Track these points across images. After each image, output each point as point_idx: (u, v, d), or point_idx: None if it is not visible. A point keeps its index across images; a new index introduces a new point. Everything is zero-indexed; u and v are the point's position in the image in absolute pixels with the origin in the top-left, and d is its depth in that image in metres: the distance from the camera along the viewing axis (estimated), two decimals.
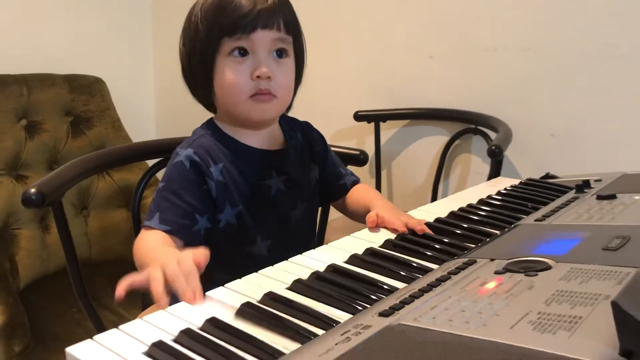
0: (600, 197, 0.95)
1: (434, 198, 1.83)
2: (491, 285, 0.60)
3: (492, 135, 1.69)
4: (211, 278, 0.88)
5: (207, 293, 0.66)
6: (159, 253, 0.76)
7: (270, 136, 0.99)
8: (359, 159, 1.23)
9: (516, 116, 1.64)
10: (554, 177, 1.24)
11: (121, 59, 2.54)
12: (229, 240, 0.94)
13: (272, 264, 0.90)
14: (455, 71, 1.77)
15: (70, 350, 0.54)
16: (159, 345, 0.54)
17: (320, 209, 1.27)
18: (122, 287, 0.67)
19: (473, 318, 0.52)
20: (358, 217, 1.04)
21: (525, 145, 1.64)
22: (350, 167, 1.16)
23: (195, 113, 2.68)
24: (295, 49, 0.94)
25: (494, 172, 1.46)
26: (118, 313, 1.74)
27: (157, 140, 1.25)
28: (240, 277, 0.83)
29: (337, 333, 0.53)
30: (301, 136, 1.04)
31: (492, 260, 0.69)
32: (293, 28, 0.93)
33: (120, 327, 0.58)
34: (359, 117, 1.91)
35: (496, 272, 0.64)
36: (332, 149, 1.11)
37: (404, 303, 0.58)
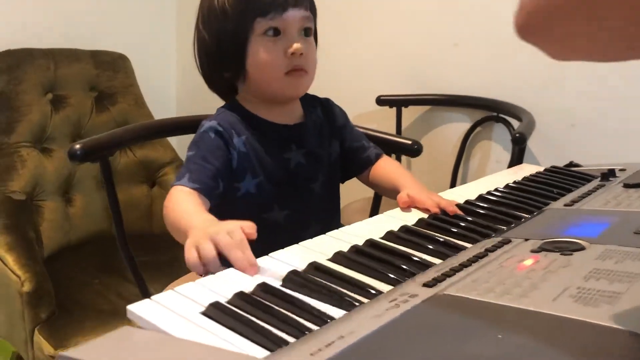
0: (627, 186, 0.97)
1: (452, 184, 1.85)
2: (528, 262, 0.63)
3: (514, 123, 1.71)
4: None
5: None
6: (197, 219, 0.78)
7: (291, 112, 1.03)
8: (412, 149, 1.18)
9: (538, 105, 1.65)
10: (577, 165, 1.26)
11: (144, 37, 2.56)
12: (247, 208, 0.98)
13: (288, 233, 0.93)
14: (479, 59, 1.79)
15: (132, 308, 0.57)
16: (216, 306, 0.57)
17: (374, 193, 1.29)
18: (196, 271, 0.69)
19: (514, 290, 0.55)
20: (384, 192, 1.07)
21: (546, 134, 1.66)
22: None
23: (212, 93, 2.70)
24: (314, 28, 0.99)
25: (517, 160, 1.48)
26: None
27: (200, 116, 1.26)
28: (254, 244, 0.87)
29: (385, 300, 0.56)
30: (321, 112, 1.07)
31: (526, 240, 0.72)
32: (314, 8, 0.99)
33: (175, 289, 0.62)
34: (381, 101, 1.93)
35: (532, 251, 0.67)
36: (383, 136, 1.13)
37: (445, 275, 0.61)
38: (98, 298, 1.72)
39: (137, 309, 0.58)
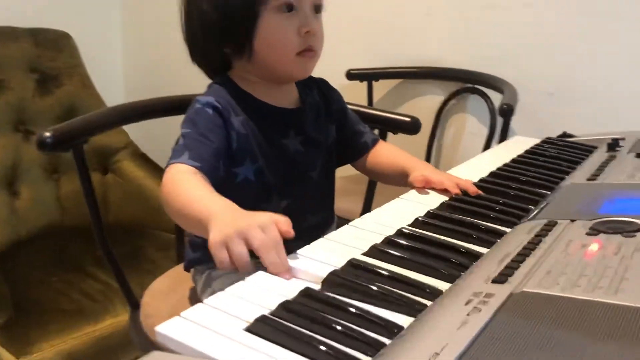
0: (639, 156, 0.94)
1: (427, 158, 1.81)
2: (594, 247, 0.58)
3: (490, 94, 1.67)
4: None
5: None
6: (214, 205, 0.68)
7: (288, 94, 0.94)
8: (410, 126, 1.11)
9: (515, 75, 1.62)
10: (570, 136, 1.23)
11: (86, 14, 2.37)
12: (245, 197, 0.89)
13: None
14: (452, 29, 1.73)
15: (161, 329, 0.48)
16: (263, 320, 0.49)
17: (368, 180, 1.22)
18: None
19: (602, 282, 0.49)
20: (387, 178, 1.00)
21: (523, 104, 1.62)
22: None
23: (165, 72, 2.55)
24: None
25: (502, 131, 1.44)
26: (104, 282, 1.66)
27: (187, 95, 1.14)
28: None
29: (457, 303, 0.49)
30: (317, 94, 0.99)
31: (572, 221, 0.67)
32: None
33: (205, 301, 0.53)
34: (351, 75, 1.85)
35: (589, 234, 0.62)
36: (381, 113, 1.06)
37: (511, 269, 0.55)
38: (59, 297, 1.59)
39: (168, 329, 0.49)
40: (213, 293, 0.91)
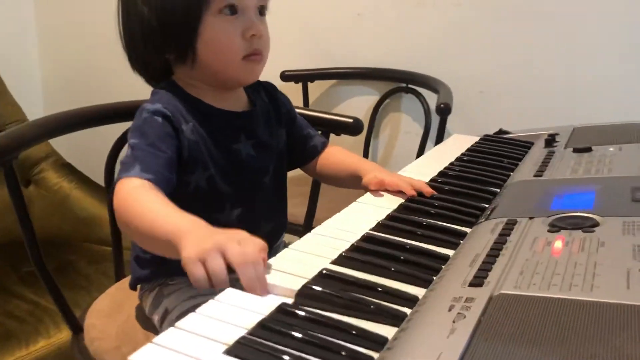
0: (577, 150, 0.98)
1: (365, 158, 1.81)
2: (558, 244, 0.59)
3: (424, 93, 1.70)
4: None
5: None
6: (180, 221, 0.64)
7: (236, 98, 0.91)
8: (352, 127, 1.11)
9: (446, 74, 1.65)
10: (507, 132, 1.27)
11: None
12: (197, 207, 0.85)
13: None
14: (384, 28, 1.75)
15: (135, 358, 0.45)
16: (243, 342, 0.46)
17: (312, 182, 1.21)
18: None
19: (576, 280, 0.50)
20: (339, 181, 0.99)
21: (455, 102, 1.66)
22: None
23: (85, 78, 2.43)
24: None
25: (440, 130, 1.47)
26: (32, 302, 1.56)
27: (130, 102, 1.07)
28: None
29: (440, 310, 0.49)
30: (266, 96, 0.96)
31: (530, 218, 0.68)
32: None
33: (177, 324, 0.50)
34: (285, 77, 1.84)
35: (550, 231, 0.63)
36: (322, 115, 1.04)
37: (485, 270, 0.55)
38: None
39: (143, 358, 0.45)
40: (165, 311, 0.88)
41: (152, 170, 0.74)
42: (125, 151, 0.82)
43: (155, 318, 0.89)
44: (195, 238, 0.59)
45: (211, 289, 0.57)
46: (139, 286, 0.94)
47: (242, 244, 0.57)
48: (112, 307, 0.99)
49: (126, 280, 1.00)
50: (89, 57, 2.27)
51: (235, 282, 0.57)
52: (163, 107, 0.80)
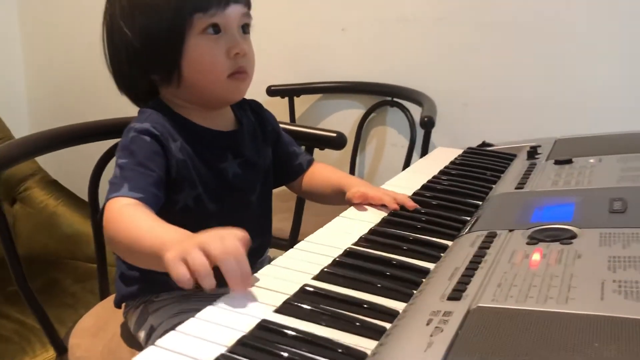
0: (558, 162, 0.99)
1: (352, 171, 1.83)
2: (536, 257, 0.60)
3: (409, 106, 1.72)
4: None
5: (230, 292, 0.59)
6: (167, 234, 0.64)
7: (223, 117, 0.92)
8: (336, 141, 1.11)
9: (430, 87, 1.67)
10: (490, 145, 1.28)
11: None
12: (184, 225, 0.85)
13: None
14: (368, 43, 1.77)
15: None
16: None
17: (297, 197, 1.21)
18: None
19: (552, 292, 0.51)
20: (324, 197, 0.99)
21: (439, 115, 1.68)
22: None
23: (71, 92, 2.42)
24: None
25: (424, 143, 1.48)
26: (18, 321, 1.55)
27: (115, 119, 1.07)
28: None
29: (418, 324, 0.49)
30: (252, 115, 0.97)
31: (510, 231, 0.69)
32: (250, 2, 0.88)
33: (157, 343, 0.50)
34: (272, 91, 1.85)
35: (529, 243, 0.64)
36: (305, 130, 1.05)
37: (463, 284, 0.55)
38: None
39: None
40: (150, 329, 0.87)
41: (141, 189, 0.74)
42: (113, 169, 0.82)
43: (141, 335, 0.88)
44: (179, 243, 0.60)
45: (200, 298, 0.57)
46: (124, 304, 0.94)
47: (222, 239, 0.58)
48: (97, 325, 0.98)
49: (111, 299, 1.00)
50: (75, 71, 2.27)
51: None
52: (151, 126, 0.80)
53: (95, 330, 0.97)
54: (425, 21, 1.68)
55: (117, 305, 0.94)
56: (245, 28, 0.86)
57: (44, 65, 2.37)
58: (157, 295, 0.90)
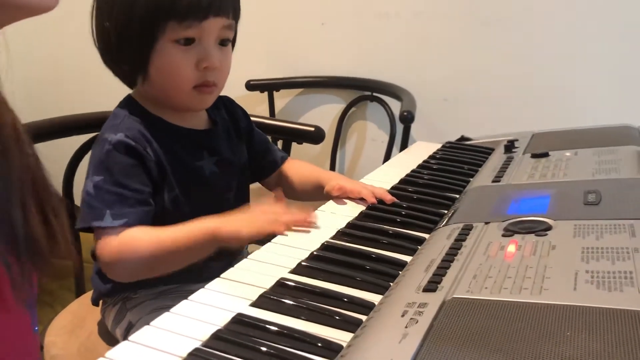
0: (535, 156, 1.00)
1: (332, 166, 1.83)
2: (511, 249, 0.60)
3: (389, 101, 1.72)
4: None
5: (206, 286, 0.59)
6: (204, 223, 0.74)
7: (196, 116, 0.91)
8: (314, 135, 1.11)
9: (410, 82, 1.68)
10: (468, 139, 1.29)
11: None
12: (163, 224, 0.85)
13: None
14: (348, 38, 1.77)
15: None
16: (197, 354, 0.46)
17: None
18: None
19: (526, 283, 0.51)
20: (300, 194, 0.99)
21: (419, 110, 1.68)
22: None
23: (52, 84, 2.36)
24: (235, 32, 0.88)
25: (404, 137, 1.48)
26: None
27: (92, 114, 1.05)
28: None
29: (393, 316, 0.49)
30: (225, 113, 0.96)
31: (486, 223, 0.69)
32: (239, 12, 0.87)
33: (130, 338, 0.49)
34: (251, 86, 1.84)
35: (504, 235, 0.64)
36: (283, 124, 1.04)
37: (439, 275, 0.56)
38: None
39: None
40: (129, 325, 0.87)
41: (124, 214, 0.75)
42: (86, 165, 0.81)
43: (118, 332, 0.87)
44: (238, 221, 0.73)
45: (179, 294, 0.58)
46: (101, 301, 0.93)
47: (265, 212, 0.74)
48: (73, 323, 0.97)
49: (87, 296, 0.99)
50: (56, 62, 2.24)
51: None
52: (125, 136, 0.79)
53: (72, 327, 0.96)
54: (405, 16, 1.68)
55: (95, 302, 0.93)
56: (224, 42, 0.83)
57: (23, 59, 2.33)
58: (135, 292, 0.89)
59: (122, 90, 0.90)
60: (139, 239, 0.74)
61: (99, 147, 0.80)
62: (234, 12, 0.83)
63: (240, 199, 0.94)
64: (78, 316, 0.98)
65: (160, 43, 0.79)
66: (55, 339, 0.93)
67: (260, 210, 0.74)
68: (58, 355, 0.89)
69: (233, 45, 0.91)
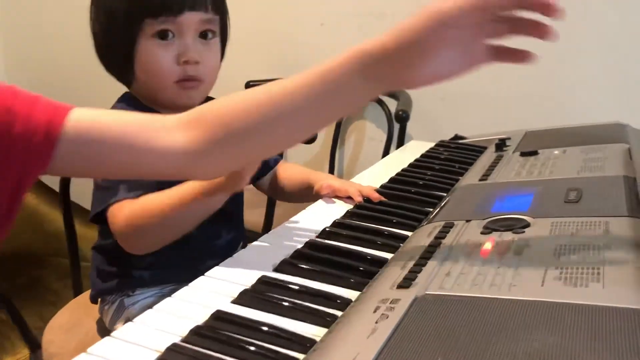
0: (524, 154, 1.01)
1: (331, 166, 1.84)
2: (488, 246, 0.61)
3: (386, 100, 1.73)
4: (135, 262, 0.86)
5: (190, 284, 0.61)
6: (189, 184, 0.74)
7: None
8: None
9: None
10: (462, 138, 1.30)
11: None
12: None
13: (202, 243, 0.88)
14: (347, 38, 1.78)
15: None
16: (175, 349, 0.48)
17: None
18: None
19: (497, 280, 0.53)
20: (292, 195, 1.01)
21: (417, 109, 1.69)
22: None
23: (50, 82, 2.40)
24: (221, 26, 0.89)
25: (399, 136, 1.50)
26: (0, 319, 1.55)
27: None
28: (166, 257, 0.81)
29: (366, 311, 0.51)
30: None
31: (467, 221, 0.71)
32: (221, 6, 0.88)
33: (112, 335, 0.51)
34: (250, 87, 1.84)
35: (483, 233, 0.65)
36: None
37: (414, 272, 0.57)
38: None
39: None
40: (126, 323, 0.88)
41: (138, 186, 0.77)
42: None
43: None
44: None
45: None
46: (99, 299, 0.95)
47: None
48: (71, 321, 0.99)
49: (86, 294, 1.01)
50: (54, 62, 2.27)
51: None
52: None
53: (70, 326, 0.98)
54: (403, 16, 1.68)
55: (93, 300, 0.95)
56: (205, 35, 0.85)
57: (23, 59, 2.37)
58: (134, 290, 0.91)
59: (121, 92, 0.92)
60: (149, 201, 0.75)
61: None
62: (215, 6, 0.85)
63: (234, 198, 0.96)
64: (76, 315, 1.01)
65: (141, 42, 0.82)
66: (53, 338, 0.95)
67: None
68: (56, 354, 0.92)
69: (225, 40, 0.92)
